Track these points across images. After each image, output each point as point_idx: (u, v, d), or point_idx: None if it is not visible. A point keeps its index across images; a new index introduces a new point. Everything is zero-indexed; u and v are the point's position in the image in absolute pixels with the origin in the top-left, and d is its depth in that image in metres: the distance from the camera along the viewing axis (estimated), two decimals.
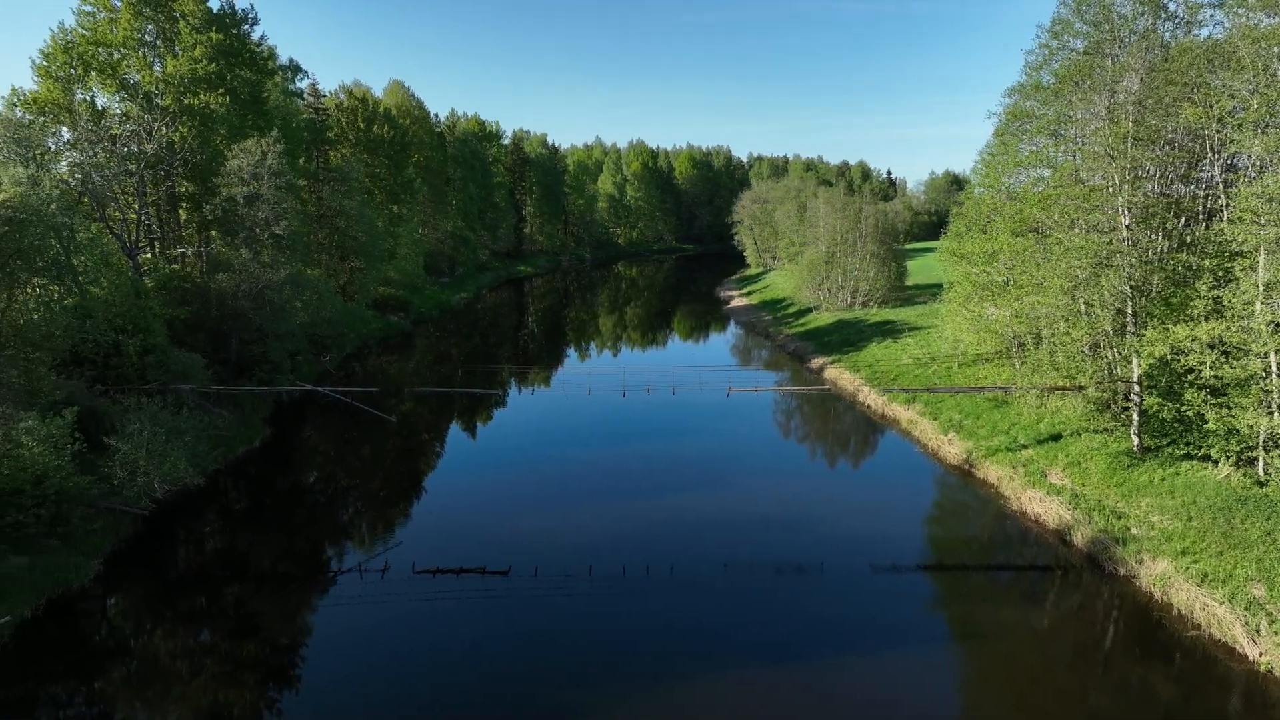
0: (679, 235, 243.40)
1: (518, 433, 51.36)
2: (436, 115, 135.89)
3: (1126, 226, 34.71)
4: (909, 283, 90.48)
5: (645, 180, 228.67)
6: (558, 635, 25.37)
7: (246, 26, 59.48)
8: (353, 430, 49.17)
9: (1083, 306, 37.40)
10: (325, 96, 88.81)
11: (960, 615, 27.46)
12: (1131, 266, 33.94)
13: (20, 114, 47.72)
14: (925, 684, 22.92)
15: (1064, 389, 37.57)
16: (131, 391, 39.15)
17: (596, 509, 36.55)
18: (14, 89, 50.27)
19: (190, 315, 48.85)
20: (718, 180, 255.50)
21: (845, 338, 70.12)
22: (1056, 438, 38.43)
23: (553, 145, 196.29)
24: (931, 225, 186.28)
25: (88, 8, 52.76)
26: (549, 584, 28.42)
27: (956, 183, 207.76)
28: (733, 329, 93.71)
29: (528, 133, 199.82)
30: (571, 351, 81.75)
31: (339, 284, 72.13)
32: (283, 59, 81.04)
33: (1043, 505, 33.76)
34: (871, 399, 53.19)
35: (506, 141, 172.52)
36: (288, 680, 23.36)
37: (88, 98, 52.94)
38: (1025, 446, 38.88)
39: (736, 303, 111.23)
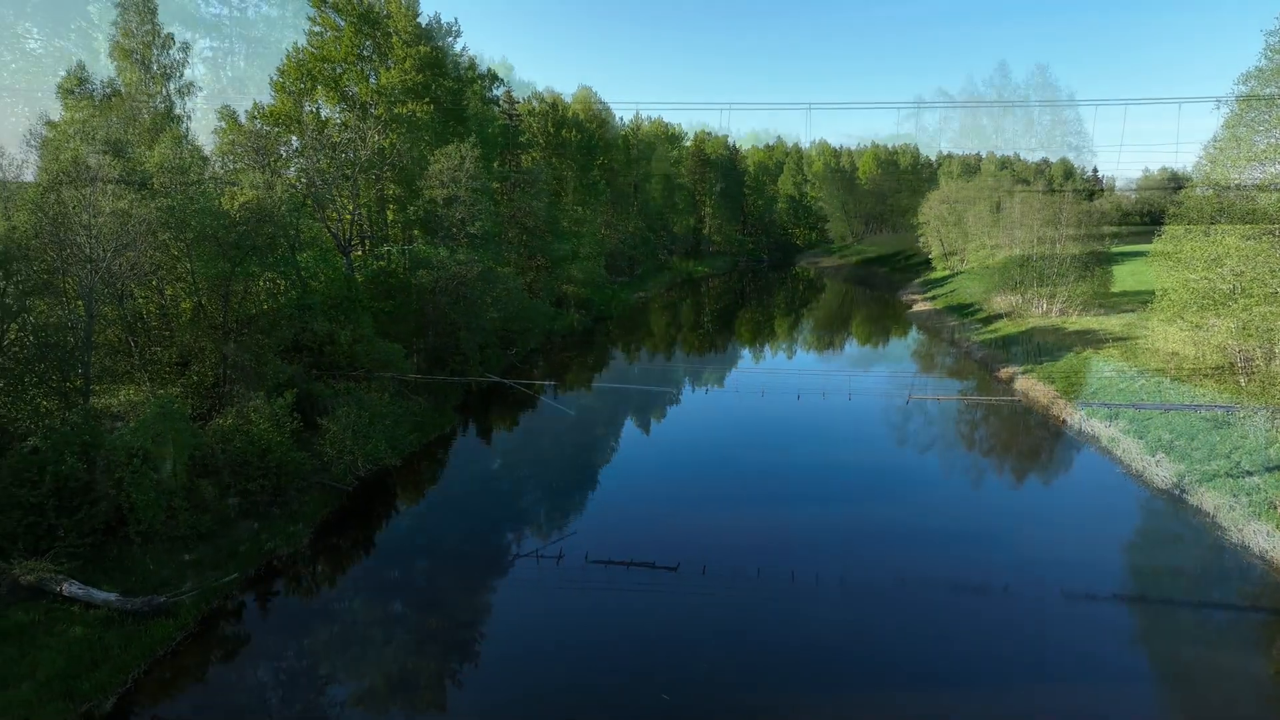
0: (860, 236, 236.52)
1: (690, 431, 51.85)
2: (621, 119, 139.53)
3: None
4: (1115, 289, 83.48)
5: (826, 180, 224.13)
6: (724, 635, 25.44)
7: (450, 39, 63.64)
8: (534, 421, 51.45)
9: None
10: (519, 103, 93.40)
11: (1166, 654, 25.06)
12: None
13: (259, 125, 53.53)
14: None
15: None
16: (341, 377, 42.89)
17: (766, 511, 36.29)
18: (255, 103, 56.64)
19: (393, 308, 52.92)
20: (903, 180, 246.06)
21: (1039, 346, 65.64)
22: None
23: (733, 146, 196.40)
24: (1144, 227, 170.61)
25: (317, 28, 58.50)
26: (716, 583, 28.54)
27: (1174, 181, 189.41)
28: (914, 334, 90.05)
29: (709, 134, 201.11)
30: (745, 352, 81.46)
31: (526, 281, 75.62)
32: (481, 69, 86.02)
33: (1271, 540, 30.17)
34: (1067, 413, 49.52)
35: (688, 144, 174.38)
36: (468, 655, 24.84)
37: (313, 109, 58.68)
38: (1251, 473, 34.90)
39: (919, 307, 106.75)
